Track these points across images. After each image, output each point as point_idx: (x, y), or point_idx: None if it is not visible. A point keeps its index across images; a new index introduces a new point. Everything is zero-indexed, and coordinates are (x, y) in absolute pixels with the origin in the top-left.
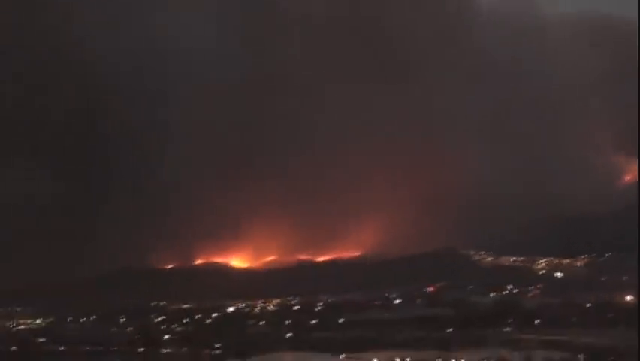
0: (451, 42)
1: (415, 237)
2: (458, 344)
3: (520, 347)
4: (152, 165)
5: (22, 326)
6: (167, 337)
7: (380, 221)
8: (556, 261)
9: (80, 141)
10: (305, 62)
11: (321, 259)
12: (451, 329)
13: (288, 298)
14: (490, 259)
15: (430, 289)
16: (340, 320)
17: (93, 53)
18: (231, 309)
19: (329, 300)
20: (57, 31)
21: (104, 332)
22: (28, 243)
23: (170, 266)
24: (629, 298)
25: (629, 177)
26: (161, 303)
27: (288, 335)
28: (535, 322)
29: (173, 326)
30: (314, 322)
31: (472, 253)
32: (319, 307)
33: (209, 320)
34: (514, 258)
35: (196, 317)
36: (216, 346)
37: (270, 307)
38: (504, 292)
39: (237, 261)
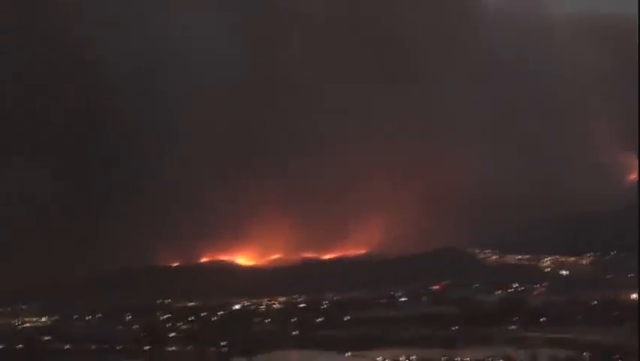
0: (455, 41)
1: (420, 235)
2: (464, 342)
3: (525, 345)
4: (157, 165)
5: (28, 324)
6: (172, 335)
7: (385, 220)
8: (561, 259)
9: (84, 141)
10: (306, 62)
11: (326, 257)
12: (456, 327)
13: (294, 296)
14: (495, 257)
15: (436, 287)
16: (346, 318)
17: (93, 53)
18: (237, 307)
19: (335, 298)
20: (57, 32)
21: (109, 330)
22: (33, 242)
23: (175, 264)
24: (634, 296)
25: (634, 176)
26: (167, 301)
27: (294, 332)
28: (541, 320)
29: (178, 324)
30: (320, 320)
31: (477, 251)
32: (325, 305)
33: (215, 318)
34: (520, 256)
35: (202, 314)
36: (222, 344)
37: (276, 305)
38: (509, 290)
39: (243, 259)
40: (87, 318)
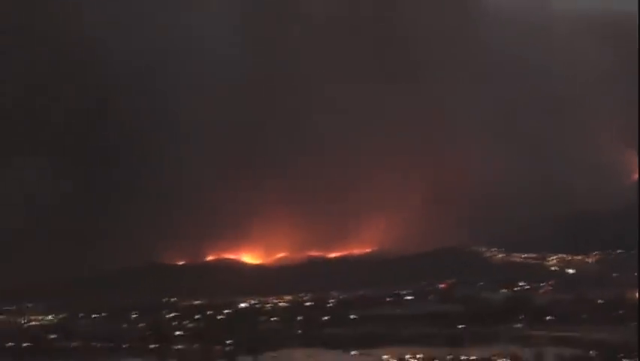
0: (455, 40)
1: (426, 234)
2: (469, 341)
3: (531, 343)
4: (163, 165)
5: (34, 323)
6: (178, 333)
7: (391, 218)
8: (567, 257)
9: (89, 141)
10: (309, 62)
11: (332, 255)
12: (462, 326)
13: (300, 295)
14: (501, 255)
15: (442, 285)
16: (352, 317)
17: (93, 53)
18: (243, 305)
19: (340, 296)
20: (58, 32)
21: (115, 328)
22: (38, 241)
23: (181, 263)
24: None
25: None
26: (173, 299)
27: (300, 331)
28: (547, 318)
29: (184, 323)
30: (325, 318)
31: (483, 249)
32: (331, 304)
33: (221, 317)
34: (526, 254)
35: (207, 313)
36: (228, 342)
37: (282, 304)
38: (515, 289)
39: (249, 257)
40: (93, 316)
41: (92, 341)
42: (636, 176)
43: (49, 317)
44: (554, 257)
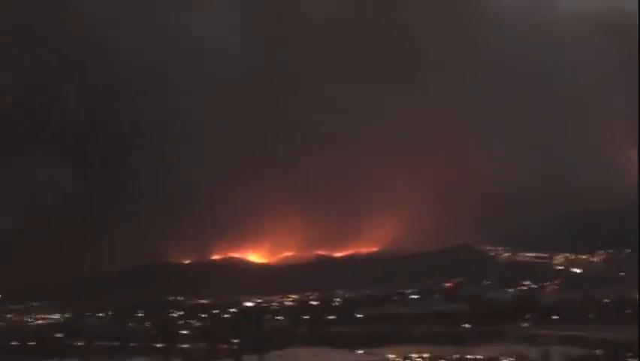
0: (463, 39)
1: (432, 233)
2: (475, 340)
3: (537, 342)
4: (169, 164)
5: (40, 321)
6: (184, 332)
7: (397, 217)
8: (573, 256)
9: (96, 141)
10: (315, 62)
11: (338, 254)
12: (468, 325)
13: (306, 294)
14: (507, 254)
15: (448, 284)
16: (358, 316)
17: (95, 53)
18: (249, 304)
19: (346, 295)
20: (63, 32)
21: (121, 327)
22: (44, 240)
23: (187, 261)
24: None
25: None
26: (179, 298)
27: (305, 330)
28: (553, 317)
29: (190, 322)
30: (331, 317)
31: (489, 248)
32: (337, 303)
33: (227, 315)
34: (532, 253)
35: (213, 312)
36: (234, 341)
37: (288, 303)
38: (521, 288)
39: (255, 256)
40: (99, 315)
41: (98, 340)
42: None
43: (55, 316)
44: (560, 256)
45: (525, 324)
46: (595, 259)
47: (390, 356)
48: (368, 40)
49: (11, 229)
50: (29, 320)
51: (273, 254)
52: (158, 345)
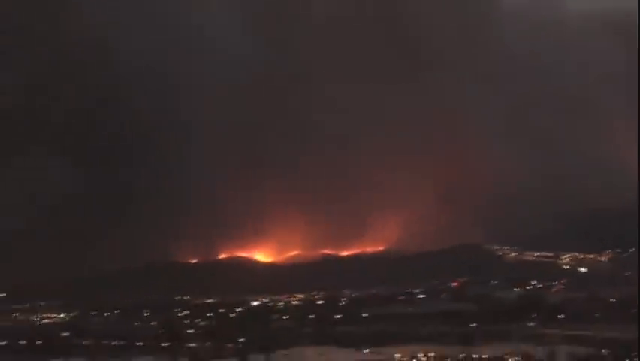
0: (469, 39)
1: (438, 232)
2: (482, 339)
3: (543, 341)
4: (176, 165)
5: (47, 320)
6: (190, 331)
7: (403, 217)
8: (580, 256)
9: (104, 141)
10: (320, 62)
11: (345, 254)
12: (474, 324)
13: (312, 293)
14: (514, 254)
15: (454, 284)
16: (364, 315)
17: (98, 53)
18: (255, 303)
19: (353, 295)
20: (62, 33)
21: (128, 326)
22: (53, 239)
23: (194, 261)
24: None
25: None
26: (185, 297)
27: (312, 329)
28: (559, 317)
29: (197, 321)
30: (338, 316)
31: (495, 248)
32: (343, 302)
33: (233, 315)
34: (538, 253)
35: (220, 311)
36: (240, 340)
37: (294, 302)
38: (528, 288)
39: (261, 255)
40: (105, 314)
41: (105, 339)
42: None
43: (62, 315)
44: (567, 256)
45: (531, 323)
46: (601, 259)
47: (396, 355)
48: (369, 41)
49: (17, 228)
50: (35, 319)
51: (279, 254)
52: (164, 344)
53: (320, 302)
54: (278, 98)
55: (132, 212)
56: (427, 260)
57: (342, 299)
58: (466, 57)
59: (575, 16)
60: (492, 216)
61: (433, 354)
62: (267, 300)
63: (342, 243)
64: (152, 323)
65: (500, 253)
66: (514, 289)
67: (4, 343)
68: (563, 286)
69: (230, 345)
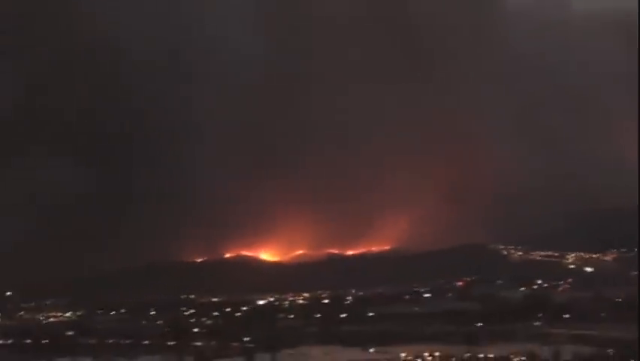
0: (475, 39)
1: (444, 231)
2: (487, 339)
3: (549, 341)
4: (182, 164)
5: (52, 319)
6: (196, 330)
7: (409, 216)
8: (586, 255)
9: (110, 141)
10: (331, 62)
11: (350, 252)
12: (480, 324)
13: (318, 292)
14: (519, 253)
15: (460, 283)
16: (369, 314)
17: (106, 53)
18: (261, 302)
19: (358, 294)
20: (73, 32)
21: (133, 325)
22: (59, 238)
23: (199, 260)
24: None
25: None
26: (191, 296)
27: (318, 328)
28: (565, 316)
29: (202, 320)
30: (343, 316)
31: (501, 247)
32: (349, 301)
33: (239, 314)
34: (544, 253)
35: (226, 310)
36: (246, 339)
37: (300, 301)
38: (533, 287)
39: (267, 254)
40: (111, 313)
41: (111, 338)
42: None
43: (68, 314)
44: (572, 255)
45: (537, 323)
46: (607, 258)
47: (402, 354)
48: (377, 41)
49: (24, 227)
50: (41, 317)
51: (284, 253)
52: (170, 343)
53: (325, 301)
54: (284, 98)
55: (138, 211)
56: (432, 259)
57: (348, 298)
58: (472, 57)
59: (581, 15)
60: (497, 215)
61: (438, 353)
62: (273, 299)
63: (347, 242)
64: (157, 322)
65: (506, 253)
66: (520, 288)
67: (10, 341)
68: (568, 286)
69: (235, 344)
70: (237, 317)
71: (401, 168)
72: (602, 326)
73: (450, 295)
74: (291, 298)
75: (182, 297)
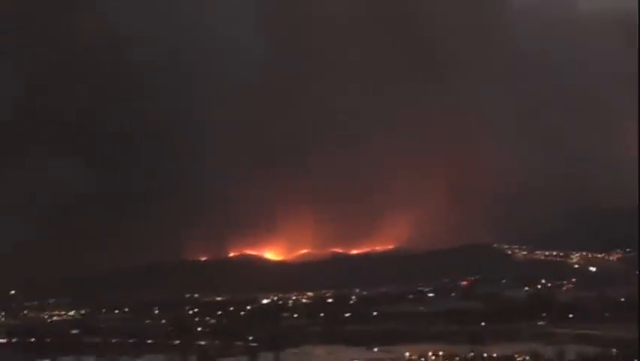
0: (480, 39)
1: (448, 231)
2: (491, 338)
3: (553, 341)
4: (188, 164)
5: (56, 318)
6: (200, 329)
7: (414, 215)
8: (590, 255)
9: (115, 140)
10: (331, 62)
11: (354, 252)
12: (484, 323)
13: (322, 291)
14: (523, 253)
15: (464, 282)
16: (374, 313)
17: (110, 53)
18: (265, 301)
19: (362, 293)
20: (77, 32)
21: (137, 323)
22: (64, 237)
23: (204, 258)
24: None
25: None
26: (195, 295)
27: (322, 327)
28: (569, 316)
29: (206, 319)
30: (347, 315)
31: (505, 247)
32: (353, 301)
33: (243, 313)
34: (548, 252)
35: (230, 309)
36: (250, 338)
37: (304, 300)
38: (538, 287)
39: (271, 253)
40: (115, 312)
41: (115, 337)
42: None
43: (72, 313)
44: (577, 255)
45: (541, 322)
46: (611, 258)
47: (406, 354)
48: (381, 41)
49: (28, 226)
50: (45, 316)
51: (289, 252)
52: (174, 342)
53: (330, 301)
54: (289, 98)
55: (143, 211)
56: (436, 259)
57: (352, 298)
58: (477, 56)
59: (586, 15)
60: (502, 215)
61: (442, 353)
62: (277, 298)
63: (352, 241)
64: (161, 321)
65: (510, 252)
66: (524, 288)
67: (14, 340)
68: (572, 286)
69: (239, 343)
70: (241, 316)
71: (405, 168)
72: (606, 325)
73: (454, 294)
74: (295, 298)
75: (186, 296)
